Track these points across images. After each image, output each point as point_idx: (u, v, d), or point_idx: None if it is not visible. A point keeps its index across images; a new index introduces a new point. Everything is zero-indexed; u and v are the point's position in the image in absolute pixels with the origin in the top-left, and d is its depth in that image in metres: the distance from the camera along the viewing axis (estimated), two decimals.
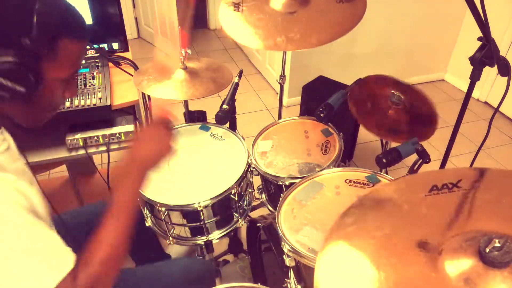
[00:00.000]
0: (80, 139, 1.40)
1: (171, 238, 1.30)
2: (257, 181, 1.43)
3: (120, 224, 0.78)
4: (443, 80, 3.48)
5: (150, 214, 1.35)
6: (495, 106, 1.67)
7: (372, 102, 1.29)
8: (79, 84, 1.43)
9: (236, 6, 1.42)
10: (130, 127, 1.46)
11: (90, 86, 1.43)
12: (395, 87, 1.36)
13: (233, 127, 1.54)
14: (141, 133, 0.91)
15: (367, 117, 1.25)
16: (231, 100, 1.42)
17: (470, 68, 1.18)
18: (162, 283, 1.13)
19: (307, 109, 2.34)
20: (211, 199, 1.20)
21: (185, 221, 1.27)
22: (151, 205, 1.24)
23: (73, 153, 1.42)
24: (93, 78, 1.47)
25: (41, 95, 0.76)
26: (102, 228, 0.77)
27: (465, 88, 1.24)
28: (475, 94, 3.17)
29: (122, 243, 0.77)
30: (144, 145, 0.87)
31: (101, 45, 1.68)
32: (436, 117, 1.27)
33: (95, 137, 1.41)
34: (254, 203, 1.51)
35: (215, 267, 1.67)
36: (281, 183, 1.27)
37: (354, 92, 1.33)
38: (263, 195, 1.44)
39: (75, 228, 1.23)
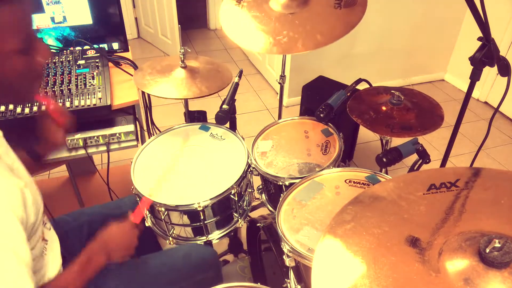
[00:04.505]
0: (80, 139, 1.40)
1: (171, 238, 1.30)
2: (257, 181, 1.43)
3: (83, 277, 0.93)
4: (443, 80, 3.48)
5: (150, 214, 1.35)
6: (495, 106, 1.67)
7: (373, 111, 1.31)
8: (79, 84, 1.43)
9: (238, 0, 1.42)
10: (130, 127, 1.46)
11: (90, 86, 1.43)
12: (387, 92, 1.38)
13: (233, 127, 1.54)
14: (117, 226, 1.06)
15: (376, 125, 1.27)
16: (231, 100, 1.42)
17: (470, 68, 1.18)
18: (163, 272, 1.13)
19: (307, 109, 2.34)
20: (211, 199, 1.20)
21: (185, 221, 1.27)
22: (151, 205, 1.24)
23: (73, 153, 1.42)
24: (93, 78, 1.47)
25: (7, 72, 0.73)
26: (65, 277, 0.92)
27: (465, 88, 1.24)
28: (475, 94, 3.17)
29: None
30: (116, 236, 1.04)
31: (101, 45, 1.68)
32: (438, 106, 1.33)
33: (95, 137, 1.41)
34: (254, 203, 1.51)
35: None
36: (281, 183, 1.27)
37: (352, 107, 1.35)
38: (263, 195, 1.44)
39: (77, 230, 1.23)
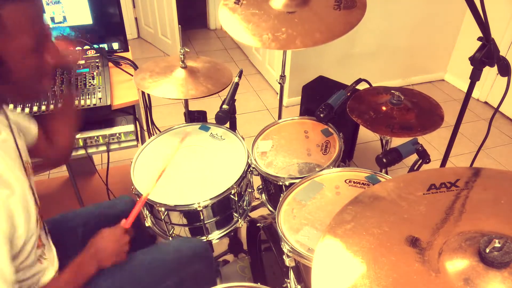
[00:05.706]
0: (80, 139, 1.40)
1: (170, 238, 1.30)
2: (257, 181, 1.43)
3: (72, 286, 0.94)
4: (443, 80, 3.48)
5: (149, 214, 1.35)
6: (495, 106, 1.67)
7: (373, 111, 1.31)
8: (79, 84, 1.43)
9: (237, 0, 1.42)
10: (130, 127, 1.46)
11: (90, 86, 1.43)
12: (387, 92, 1.38)
13: (233, 127, 1.54)
14: (108, 233, 1.05)
15: (376, 125, 1.27)
16: (231, 100, 1.42)
17: (470, 68, 1.18)
18: (155, 266, 1.12)
19: (307, 109, 2.34)
20: (211, 199, 1.20)
21: (185, 221, 1.27)
22: (151, 205, 1.24)
23: (73, 153, 1.42)
24: (93, 78, 1.47)
25: (18, 71, 0.73)
26: (54, 285, 0.92)
27: (465, 88, 1.24)
28: (475, 94, 3.17)
29: None
30: (107, 245, 1.03)
31: (101, 45, 1.68)
32: (438, 106, 1.33)
33: (95, 137, 1.41)
34: (254, 203, 1.51)
35: (215, 263, 1.67)
36: (281, 183, 1.27)
37: (352, 107, 1.35)
38: (263, 195, 1.44)
39: (72, 232, 1.23)
